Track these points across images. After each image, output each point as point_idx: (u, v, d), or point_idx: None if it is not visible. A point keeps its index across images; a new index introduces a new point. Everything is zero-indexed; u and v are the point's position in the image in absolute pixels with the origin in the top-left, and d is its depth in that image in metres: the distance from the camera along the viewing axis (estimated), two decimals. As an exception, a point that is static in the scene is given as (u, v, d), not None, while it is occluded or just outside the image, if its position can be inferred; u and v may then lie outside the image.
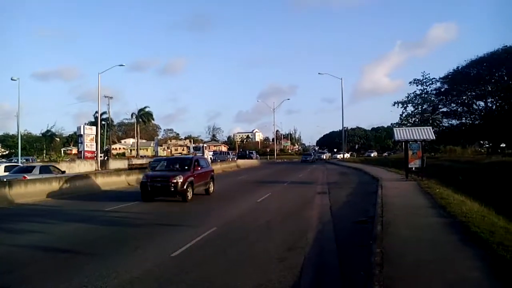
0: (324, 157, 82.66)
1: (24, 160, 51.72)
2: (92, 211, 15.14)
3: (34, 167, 25.12)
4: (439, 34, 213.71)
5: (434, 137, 25.04)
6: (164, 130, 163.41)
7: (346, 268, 7.34)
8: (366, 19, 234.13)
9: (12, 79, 46.41)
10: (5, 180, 20.21)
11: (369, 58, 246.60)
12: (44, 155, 78.88)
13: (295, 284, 6.49)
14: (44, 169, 24.55)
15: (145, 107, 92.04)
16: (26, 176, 22.26)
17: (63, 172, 26.10)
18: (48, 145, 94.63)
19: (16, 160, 51.25)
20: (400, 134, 24.61)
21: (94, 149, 55.22)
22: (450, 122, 62.84)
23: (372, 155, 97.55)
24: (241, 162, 57.74)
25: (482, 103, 60.44)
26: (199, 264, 7.71)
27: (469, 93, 59.38)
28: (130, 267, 7.43)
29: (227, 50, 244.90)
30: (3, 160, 59.89)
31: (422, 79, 60.82)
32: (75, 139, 77.61)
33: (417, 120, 59.73)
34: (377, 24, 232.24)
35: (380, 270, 6.30)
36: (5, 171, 25.34)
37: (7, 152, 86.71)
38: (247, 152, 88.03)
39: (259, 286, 6.37)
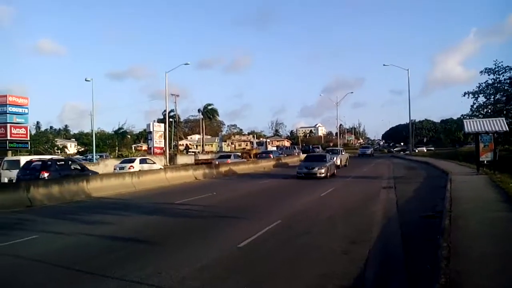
0: (369, 152, 67.39)
1: (99, 157, 54.65)
2: (162, 203, 15.91)
3: (230, 155, 43.00)
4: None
5: (508, 129, 23.81)
6: (228, 126, 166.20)
7: (411, 262, 7.29)
8: (441, 5, 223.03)
9: (86, 80, 48.53)
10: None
11: (442, 47, 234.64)
12: (116, 151, 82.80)
13: (359, 276, 6.57)
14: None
15: (209, 104, 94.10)
16: (229, 160, 37.87)
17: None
18: (119, 142, 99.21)
19: (91, 156, 54.32)
20: (471, 126, 23.65)
21: (163, 145, 57.37)
22: (527, 112, 58.84)
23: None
24: (304, 157, 57.73)
25: None
26: (265, 255, 7.98)
27: (549, 81, 55.33)
28: (200, 256, 7.82)
29: (292, 45, 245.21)
30: (80, 156, 63.53)
31: (494, 68, 57.42)
32: (145, 135, 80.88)
33: (489, 111, 56.51)
34: (451, 11, 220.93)
35: (446, 264, 6.23)
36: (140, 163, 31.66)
37: (82, 149, 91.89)
38: (311, 146, 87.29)
39: (324, 276, 6.51)
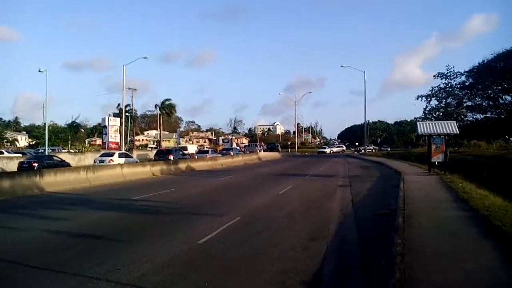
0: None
1: (51, 150, 52.91)
2: (120, 199, 15.65)
3: (208, 151, 48.67)
4: (477, 25, 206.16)
5: (458, 132, 24.85)
6: (186, 122, 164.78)
7: (367, 258, 7.54)
8: (404, 10, 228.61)
9: (39, 71, 46.30)
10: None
11: (402, 50, 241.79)
12: (69, 145, 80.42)
13: (318, 271, 6.74)
14: None
15: (167, 99, 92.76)
16: (207, 155, 43.00)
17: None
18: (73, 136, 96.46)
19: (43, 150, 52.49)
20: (424, 128, 24.51)
21: (118, 140, 56.24)
22: (474, 116, 61.46)
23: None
24: (262, 154, 58.24)
25: (508, 97, 58.98)
26: (225, 251, 8.02)
27: (495, 87, 58.01)
28: (160, 253, 7.78)
29: (256, 43, 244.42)
30: (31, 150, 61.30)
31: (446, 73, 59.76)
32: (100, 130, 79.03)
33: (441, 114, 58.75)
34: (413, 15, 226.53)
35: (401, 260, 6.48)
36: (119, 157, 33.80)
37: (33, 142, 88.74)
38: (276, 144, 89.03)
39: (284, 272, 6.63)
